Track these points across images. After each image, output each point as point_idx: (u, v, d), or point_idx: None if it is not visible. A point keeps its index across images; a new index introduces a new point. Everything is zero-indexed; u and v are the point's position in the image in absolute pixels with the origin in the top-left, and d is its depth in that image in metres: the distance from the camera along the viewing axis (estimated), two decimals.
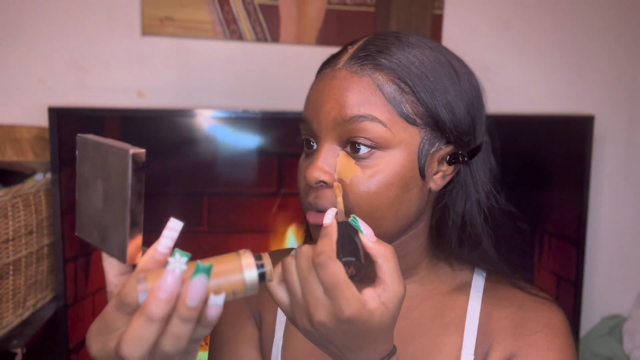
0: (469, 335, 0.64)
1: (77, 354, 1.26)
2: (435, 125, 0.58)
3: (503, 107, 1.51)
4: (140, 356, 0.42)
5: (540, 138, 1.46)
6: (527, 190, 1.44)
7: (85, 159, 0.48)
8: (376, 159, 0.57)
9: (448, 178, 0.62)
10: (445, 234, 0.65)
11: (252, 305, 0.73)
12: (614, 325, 1.56)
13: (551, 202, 1.49)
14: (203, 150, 1.29)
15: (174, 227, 0.45)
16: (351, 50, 0.60)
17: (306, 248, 0.50)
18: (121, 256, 0.46)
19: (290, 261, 0.51)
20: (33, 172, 1.19)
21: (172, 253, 0.43)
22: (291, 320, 0.52)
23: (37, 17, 1.30)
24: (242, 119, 1.28)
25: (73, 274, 1.23)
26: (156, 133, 1.26)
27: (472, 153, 0.62)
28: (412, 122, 0.57)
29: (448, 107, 0.59)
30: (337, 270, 0.47)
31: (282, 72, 1.41)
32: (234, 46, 1.38)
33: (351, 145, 0.57)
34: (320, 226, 0.56)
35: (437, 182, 0.61)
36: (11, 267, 1.09)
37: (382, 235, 0.53)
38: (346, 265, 0.48)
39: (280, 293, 0.52)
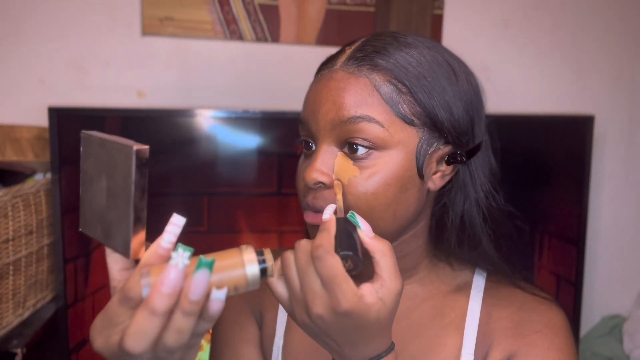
0: (469, 335, 0.64)
1: (77, 354, 1.26)
2: (433, 125, 0.58)
3: (503, 107, 1.51)
4: (143, 350, 0.42)
5: (540, 138, 1.46)
6: (527, 190, 1.44)
7: (89, 155, 0.48)
8: (374, 159, 0.57)
9: (447, 178, 0.62)
10: (445, 234, 0.65)
11: (253, 305, 0.74)
12: (614, 325, 1.56)
13: (551, 202, 1.49)
14: (203, 150, 1.29)
15: (176, 223, 0.45)
16: (349, 51, 0.60)
17: (305, 242, 0.50)
18: (125, 251, 0.46)
19: (289, 255, 0.51)
20: (33, 172, 1.19)
21: (175, 248, 0.43)
22: (290, 313, 0.53)
23: (37, 17, 1.30)
24: (242, 119, 1.28)
25: (73, 274, 1.23)
26: (156, 133, 1.26)
27: (471, 153, 0.62)
28: (410, 123, 0.57)
29: (446, 107, 0.59)
30: (334, 264, 0.48)
31: (282, 72, 1.41)
32: (234, 46, 1.38)
33: (349, 146, 0.57)
34: (317, 226, 0.56)
35: (435, 182, 0.61)
36: (11, 267, 1.09)
37: (381, 235, 0.53)
38: (344, 259, 0.49)
39: (279, 287, 0.52)
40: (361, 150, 0.57)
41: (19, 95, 1.31)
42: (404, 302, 0.67)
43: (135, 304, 0.43)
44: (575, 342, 0.65)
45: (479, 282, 0.68)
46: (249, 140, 1.30)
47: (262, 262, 0.47)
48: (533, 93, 1.56)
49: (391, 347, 0.52)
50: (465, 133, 0.61)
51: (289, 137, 1.30)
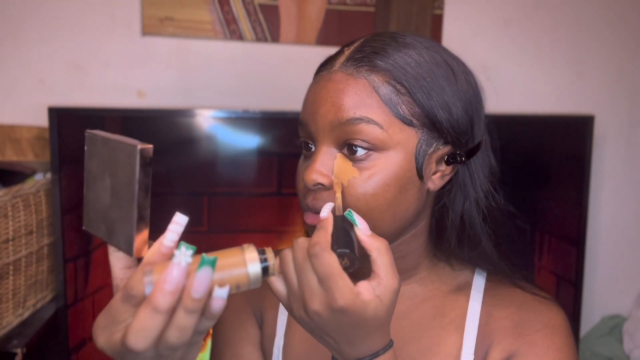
0: (469, 335, 0.64)
1: (77, 354, 1.26)
2: (432, 125, 0.58)
3: (503, 106, 1.51)
4: (145, 347, 0.42)
5: (540, 138, 1.46)
6: (527, 190, 1.44)
7: (93, 154, 0.49)
8: (373, 160, 0.57)
9: (446, 178, 0.62)
10: (445, 234, 0.65)
11: (253, 305, 0.74)
12: (614, 325, 1.56)
13: (551, 202, 1.49)
14: (203, 150, 1.29)
15: (179, 222, 0.46)
16: (347, 52, 0.60)
17: (302, 240, 0.51)
18: (128, 249, 0.47)
19: (287, 252, 0.52)
20: (33, 172, 1.19)
21: (177, 246, 0.43)
22: (288, 310, 0.53)
23: (37, 17, 1.30)
24: (242, 119, 1.28)
25: (73, 274, 1.23)
26: (156, 133, 1.26)
27: (471, 153, 0.62)
28: (409, 123, 0.58)
29: (445, 107, 0.59)
30: (331, 261, 0.48)
31: (282, 72, 1.41)
32: (234, 46, 1.38)
33: (348, 148, 0.58)
34: None
35: (435, 182, 0.61)
36: (11, 267, 1.09)
37: (381, 236, 0.53)
38: (340, 256, 0.49)
39: (278, 284, 0.53)
40: (360, 152, 0.57)
41: (19, 95, 1.31)
42: (404, 302, 0.67)
43: (138, 301, 0.44)
44: (575, 342, 0.65)
45: (479, 282, 0.68)
46: (249, 140, 1.30)
47: (263, 260, 0.47)
48: (533, 93, 1.57)
49: (389, 345, 0.53)
50: (464, 133, 0.61)
51: (289, 137, 1.30)
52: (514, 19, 1.53)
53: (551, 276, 1.51)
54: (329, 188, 0.58)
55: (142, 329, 0.42)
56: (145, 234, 0.46)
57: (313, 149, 0.61)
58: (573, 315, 1.47)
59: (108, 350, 0.45)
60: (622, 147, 1.62)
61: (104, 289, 1.28)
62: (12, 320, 1.10)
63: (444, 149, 0.60)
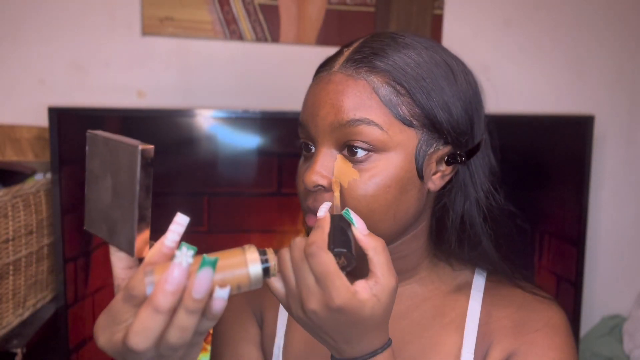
0: (469, 334, 0.64)
1: (77, 354, 1.26)
2: (432, 126, 0.58)
3: (503, 106, 1.51)
4: (146, 347, 0.43)
5: (540, 138, 1.46)
6: (527, 190, 1.44)
7: (94, 154, 0.49)
8: (373, 161, 0.57)
9: (447, 178, 0.62)
10: (445, 234, 0.65)
11: (253, 305, 0.74)
12: (614, 325, 1.56)
13: (551, 202, 1.50)
14: (203, 150, 1.29)
15: (180, 222, 0.46)
16: (347, 52, 0.60)
17: (300, 239, 0.51)
18: (129, 250, 0.47)
19: (284, 252, 0.52)
20: (33, 172, 1.19)
21: (178, 247, 0.44)
22: (287, 309, 0.54)
23: (37, 17, 1.30)
24: (242, 119, 1.28)
25: (73, 274, 1.23)
26: (156, 133, 1.26)
27: (471, 153, 0.62)
28: (409, 124, 0.57)
29: (445, 108, 0.59)
30: (327, 260, 0.48)
31: (282, 72, 1.41)
32: (234, 46, 1.38)
33: (348, 149, 0.58)
34: None
35: (435, 182, 0.61)
36: (11, 267, 1.09)
37: (382, 237, 0.53)
38: (337, 256, 0.49)
39: (277, 283, 0.53)
40: (360, 153, 0.57)
41: (19, 95, 1.31)
42: (404, 302, 0.67)
43: (139, 301, 0.44)
44: (575, 341, 0.65)
45: (479, 282, 0.68)
46: (249, 140, 1.30)
47: (264, 261, 0.48)
48: (533, 93, 1.57)
49: (387, 344, 0.53)
50: (464, 133, 0.61)
51: (289, 137, 1.30)
52: (514, 19, 1.53)
53: (551, 276, 1.51)
54: (329, 190, 0.58)
55: (143, 329, 0.42)
56: (146, 234, 0.46)
57: (313, 150, 0.61)
58: (573, 315, 1.47)
59: (109, 350, 0.45)
60: (622, 147, 1.62)
61: (104, 289, 1.28)
62: (12, 320, 1.10)
63: (444, 149, 0.60)
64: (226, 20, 1.36)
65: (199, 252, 0.45)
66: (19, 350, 1.05)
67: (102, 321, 0.46)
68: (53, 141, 1.18)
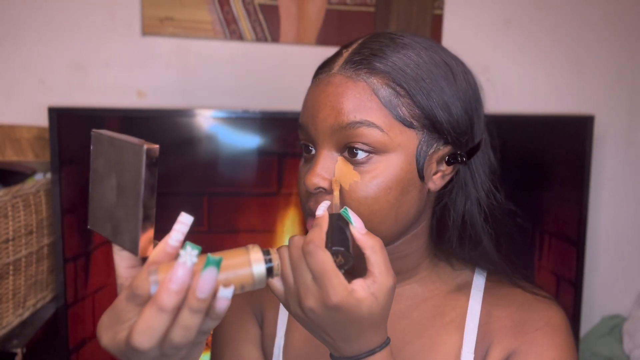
0: (469, 334, 0.64)
1: (77, 354, 1.26)
2: (433, 126, 0.58)
3: (503, 106, 1.51)
4: (150, 346, 0.43)
5: (540, 138, 1.46)
6: (527, 190, 1.44)
7: (99, 153, 0.49)
8: (374, 163, 0.57)
9: (447, 178, 0.62)
10: (446, 234, 0.65)
11: (254, 305, 0.74)
12: (614, 325, 1.56)
13: (551, 202, 1.50)
14: (203, 150, 1.29)
15: (184, 222, 0.46)
16: (346, 54, 0.60)
17: (298, 237, 0.52)
18: (133, 249, 0.47)
19: (283, 250, 0.52)
20: (33, 172, 1.19)
21: (182, 246, 0.44)
22: (285, 306, 0.54)
23: (37, 17, 1.30)
24: (242, 119, 1.28)
25: (73, 274, 1.23)
26: (156, 133, 1.26)
27: (471, 152, 0.62)
28: (409, 125, 0.57)
29: (445, 108, 0.59)
30: (324, 259, 0.49)
31: (282, 72, 1.41)
32: (234, 46, 1.38)
33: (349, 151, 0.58)
34: None
35: (436, 182, 0.61)
36: (11, 267, 1.09)
37: (383, 238, 0.53)
38: (334, 254, 0.50)
39: (276, 281, 0.53)
40: (361, 155, 0.57)
41: (19, 95, 1.31)
42: (404, 302, 0.67)
43: (143, 301, 0.44)
44: (575, 341, 0.65)
45: (479, 282, 0.68)
46: (249, 140, 1.30)
47: (268, 261, 0.48)
48: (533, 93, 1.57)
49: (386, 343, 0.53)
50: (464, 133, 0.61)
51: (289, 137, 1.30)
52: (514, 19, 1.53)
53: (551, 276, 1.51)
54: (330, 192, 0.58)
55: (147, 328, 0.42)
56: (150, 233, 0.47)
57: (313, 151, 0.61)
58: (573, 315, 1.47)
59: (112, 349, 0.45)
60: (622, 147, 1.62)
61: (104, 289, 1.28)
62: (12, 320, 1.10)
63: (445, 149, 0.60)
64: (226, 20, 1.36)
65: None
66: (19, 350, 1.05)
67: (105, 320, 0.46)
68: (53, 141, 1.18)
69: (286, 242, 0.53)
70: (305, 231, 0.63)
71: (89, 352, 1.27)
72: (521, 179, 1.41)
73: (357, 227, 0.52)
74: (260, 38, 1.39)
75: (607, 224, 1.63)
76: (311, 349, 0.67)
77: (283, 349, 0.70)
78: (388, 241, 0.60)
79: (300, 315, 0.52)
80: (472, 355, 0.63)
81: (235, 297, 0.45)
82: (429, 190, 0.61)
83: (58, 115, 1.18)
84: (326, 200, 0.58)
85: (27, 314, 1.16)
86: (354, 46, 0.61)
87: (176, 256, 0.45)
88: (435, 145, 0.59)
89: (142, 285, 0.44)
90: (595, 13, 1.56)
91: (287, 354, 0.69)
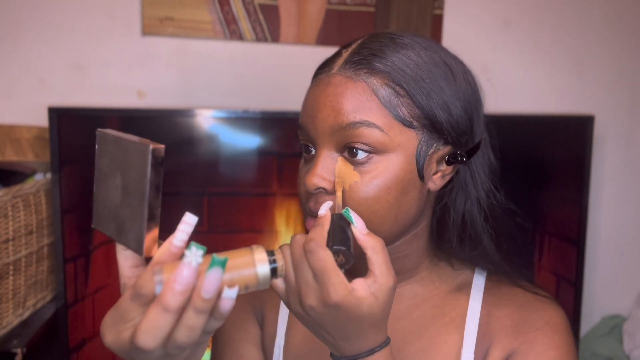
0: (470, 334, 0.64)
1: (77, 354, 1.26)
2: (432, 126, 0.58)
3: (503, 106, 1.51)
4: (154, 346, 0.43)
5: (540, 138, 1.46)
6: (527, 190, 1.44)
7: (104, 153, 0.49)
8: (374, 163, 0.57)
9: (447, 178, 0.62)
10: (446, 234, 0.65)
11: (254, 305, 0.74)
12: (614, 325, 1.56)
13: (551, 202, 1.50)
14: (203, 150, 1.29)
15: (189, 222, 0.46)
16: (345, 54, 0.60)
17: (300, 236, 0.52)
18: (138, 248, 0.47)
19: (284, 248, 0.52)
20: (33, 172, 1.19)
21: (187, 246, 0.44)
22: (286, 304, 0.54)
23: (37, 17, 1.30)
24: (242, 119, 1.28)
25: (73, 274, 1.23)
26: (156, 133, 1.26)
27: (471, 152, 0.62)
28: (409, 125, 0.57)
29: (444, 108, 0.59)
30: (325, 257, 0.49)
31: (282, 72, 1.41)
32: (234, 46, 1.38)
33: (349, 151, 0.58)
34: None
35: (436, 182, 0.61)
36: (11, 267, 1.09)
37: (383, 238, 0.53)
38: (336, 253, 0.50)
39: (277, 279, 0.53)
40: (361, 155, 0.57)
41: (19, 95, 1.31)
42: (404, 302, 0.67)
43: (148, 300, 0.44)
44: (575, 341, 0.65)
45: (479, 282, 0.68)
46: (249, 140, 1.30)
47: (272, 262, 0.48)
48: (533, 93, 1.57)
49: (386, 342, 0.53)
50: (464, 133, 0.61)
51: (288, 137, 1.30)
52: (514, 19, 1.53)
53: (551, 276, 1.51)
54: (330, 192, 0.58)
55: (151, 328, 0.42)
56: (155, 233, 0.47)
57: (313, 152, 0.61)
58: (573, 315, 1.47)
59: (116, 348, 0.45)
60: (622, 147, 1.62)
61: (104, 289, 1.28)
62: (12, 320, 1.10)
63: (444, 149, 0.60)
64: (226, 20, 1.36)
65: None
66: (19, 350, 1.05)
67: (109, 319, 0.46)
68: (53, 141, 1.18)
69: (288, 241, 0.53)
70: (305, 231, 0.63)
71: (89, 352, 1.27)
72: (521, 179, 1.41)
73: (358, 227, 0.53)
74: (260, 38, 1.39)
75: (607, 224, 1.63)
76: (311, 348, 0.67)
77: (283, 348, 0.70)
78: (388, 241, 0.60)
79: (301, 314, 0.52)
80: (472, 355, 0.63)
81: (236, 297, 0.45)
82: (428, 190, 0.61)
83: (58, 115, 1.18)
84: (327, 200, 0.58)
85: (27, 314, 1.16)
86: (354, 46, 0.61)
87: (180, 256, 0.45)
88: (435, 145, 0.59)
89: (146, 285, 0.44)
90: (595, 13, 1.56)
91: (287, 354, 0.69)
